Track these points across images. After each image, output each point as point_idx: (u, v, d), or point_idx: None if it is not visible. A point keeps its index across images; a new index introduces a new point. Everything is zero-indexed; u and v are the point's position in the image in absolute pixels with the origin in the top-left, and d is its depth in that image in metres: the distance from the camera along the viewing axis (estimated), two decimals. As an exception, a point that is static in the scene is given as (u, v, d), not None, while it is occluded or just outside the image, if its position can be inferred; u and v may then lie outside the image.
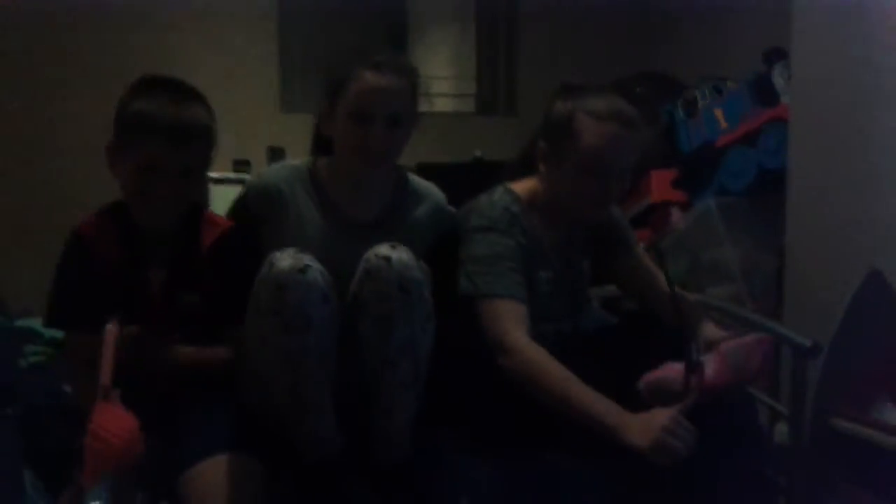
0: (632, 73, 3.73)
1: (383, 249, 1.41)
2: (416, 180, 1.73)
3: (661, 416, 1.37)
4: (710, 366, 1.48)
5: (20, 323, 1.91)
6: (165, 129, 1.43)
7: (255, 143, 3.96)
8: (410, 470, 1.52)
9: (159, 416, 1.40)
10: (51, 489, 1.36)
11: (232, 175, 3.85)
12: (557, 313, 1.75)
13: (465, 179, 1.91)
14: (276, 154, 3.89)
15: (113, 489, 1.13)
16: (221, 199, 3.59)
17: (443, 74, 4.53)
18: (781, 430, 1.95)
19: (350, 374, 1.48)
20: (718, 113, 3.07)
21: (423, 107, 1.66)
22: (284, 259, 1.36)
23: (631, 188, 3.20)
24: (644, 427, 1.37)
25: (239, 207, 1.65)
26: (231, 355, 1.54)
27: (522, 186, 1.76)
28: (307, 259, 1.37)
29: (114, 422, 1.18)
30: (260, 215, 1.61)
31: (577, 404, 1.44)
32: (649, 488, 1.50)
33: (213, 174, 3.67)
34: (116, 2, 3.84)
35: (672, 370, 1.48)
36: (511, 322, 1.55)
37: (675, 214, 3.05)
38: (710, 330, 1.69)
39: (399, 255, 1.41)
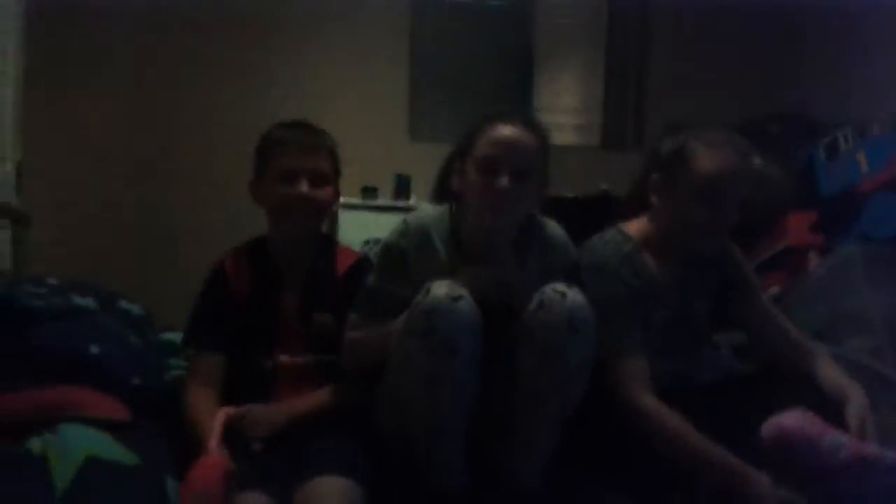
0: (765, 114, 3.61)
1: (560, 286, 1.46)
2: (543, 221, 1.71)
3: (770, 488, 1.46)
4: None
5: (164, 337, 2.01)
6: (297, 142, 1.71)
7: (383, 171, 4.07)
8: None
9: (290, 442, 1.55)
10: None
11: (360, 202, 3.98)
12: (673, 352, 1.74)
13: (590, 214, 1.91)
14: (403, 182, 3.98)
15: None
16: (350, 225, 3.77)
17: (568, 106, 4.53)
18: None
19: (487, 406, 1.50)
20: (861, 156, 2.94)
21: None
22: (441, 287, 1.42)
23: (768, 230, 3.16)
24: (767, 490, 1.46)
25: (394, 240, 1.65)
26: (344, 392, 1.65)
27: (635, 226, 1.78)
28: (462, 290, 1.42)
29: (200, 471, 1.38)
30: (410, 249, 1.63)
31: (708, 459, 1.53)
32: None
33: (341, 200, 3.87)
34: (250, 32, 4.10)
35: (795, 419, 1.52)
36: (638, 382, 1.61)
37: (813, 259, 2.93)
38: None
39: (574, 294, 1.45)
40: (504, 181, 1.52)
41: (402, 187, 4.04)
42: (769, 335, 1.80)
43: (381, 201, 4.01)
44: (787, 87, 4.05)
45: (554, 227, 1.69)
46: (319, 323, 1.70)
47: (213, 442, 1.45)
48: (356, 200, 3.98)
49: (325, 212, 1.74)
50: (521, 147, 1.55)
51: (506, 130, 1.56)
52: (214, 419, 1.49)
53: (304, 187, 1.66)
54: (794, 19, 4.14)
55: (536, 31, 4.49)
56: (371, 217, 3.73)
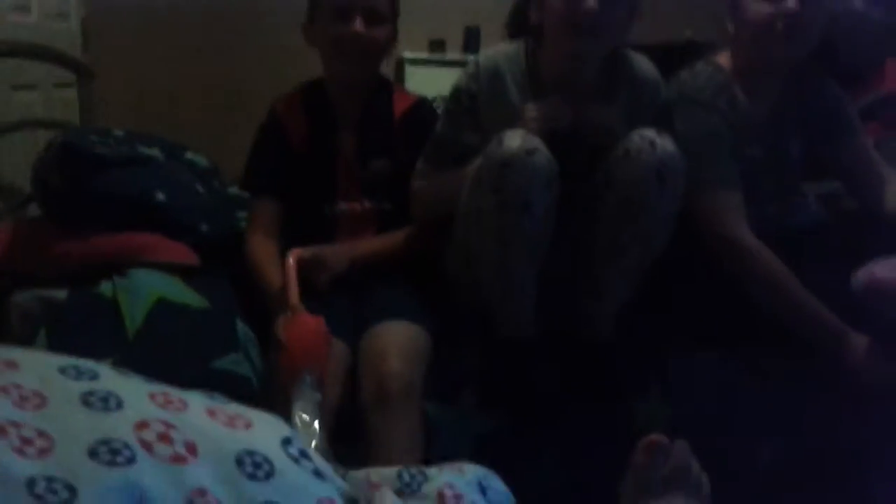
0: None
1: (649, 132, 1.36)
2: (632, 56, 1.58)
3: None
4: None
5: (233, 190, 2.00)
6: None
7: (452, 23, 3.92)
8: (605, 352, 1.50)
9: (352, 285, 1.54)
10: (262, 341, 1.47)
11: (427, 56, 3.85)
12: (762, 195, 1.63)
13: (676, 64, 1.77)
14: (472, 33, 3.82)
15: (309, 388, 1.21)
16: (418, 81, 3.67)
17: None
18: None
19: (562, 250, 1.45)
20: (976, -8, 2.64)
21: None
22: (514, 138, 1.33)
23: (865, 78, 2.93)
24: (868, 351, 1.40)
25: (464, 84, 1.56)
26: (411, 238, 1.62)
27: (723, 58, 1.65)
28: (537, 142, 1.33)
29: (302, 333, 1.30)
30: (481, 93, 1.54)
31: (805, 310, 1.46)
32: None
33: (408, 54, 3.76)
34: None
35: (890, 268, 1.40)
36: (733, 217, 1.51)
37: (914, 108, 2.71)
38: None
39: (664, 142, 1.35)
40: (590, 1, 1.39)
41: (472, 40, 3.89)
42: (868, 181, 1.67)
43: (449, 55, 3.87)
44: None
45: (643, 63, 1.55)
46: (375, 168, 1.65)
47: (295, 297, 1.38)
48: (423, 55, 3.85)
49: (381, 53, 1.64)
50: None
51: None
52: (286, 267, 1.43)
53: (358, 25, 1.56)
54: None
55: None
56: (439, 72, 3.61)
